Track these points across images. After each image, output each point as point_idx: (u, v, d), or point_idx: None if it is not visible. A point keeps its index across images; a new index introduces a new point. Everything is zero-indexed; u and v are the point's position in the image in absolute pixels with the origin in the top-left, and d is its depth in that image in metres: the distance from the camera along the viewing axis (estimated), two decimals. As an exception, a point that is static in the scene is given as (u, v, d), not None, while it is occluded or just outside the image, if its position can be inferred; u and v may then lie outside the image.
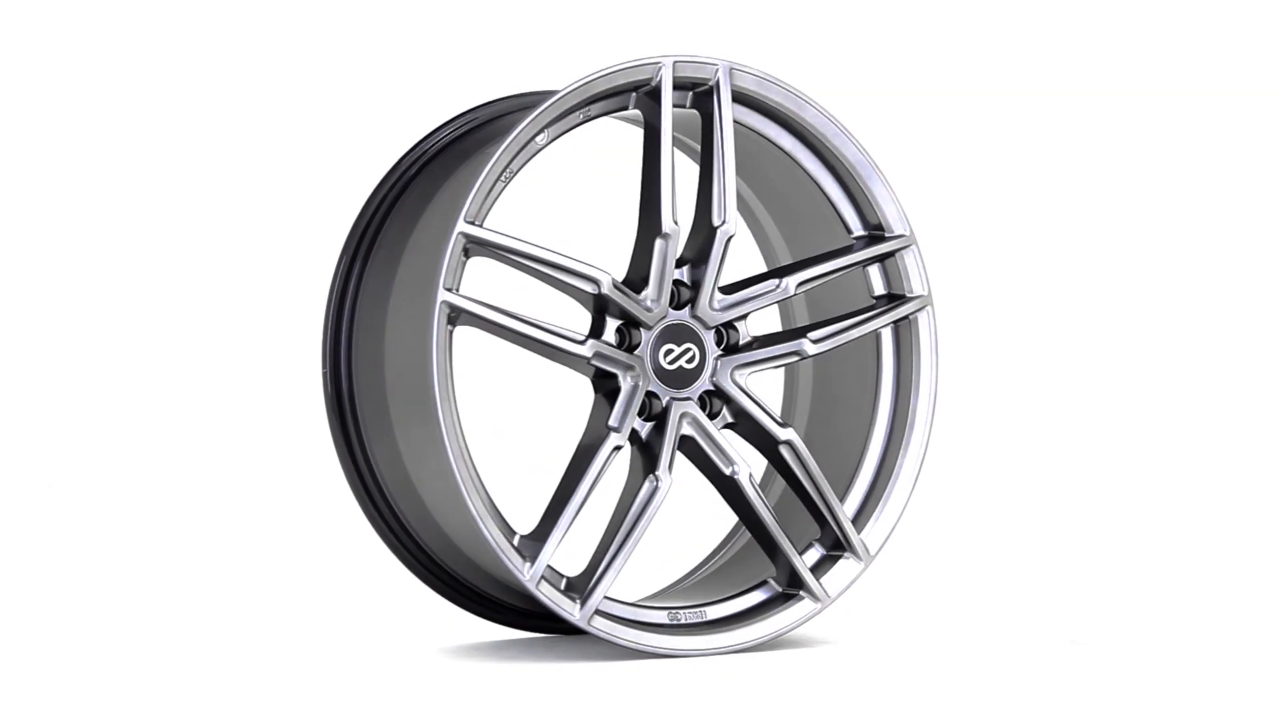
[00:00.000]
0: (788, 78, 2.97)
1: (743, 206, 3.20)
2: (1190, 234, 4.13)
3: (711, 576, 3.15)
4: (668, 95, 2.85)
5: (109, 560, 3.70)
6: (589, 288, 2.82)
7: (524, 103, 3.09)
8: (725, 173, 2.89)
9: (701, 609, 2.93)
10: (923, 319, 3.06)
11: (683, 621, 2.91)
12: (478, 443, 2.93)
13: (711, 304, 2.91)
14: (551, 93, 2.84)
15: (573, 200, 3.45)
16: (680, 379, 2.90)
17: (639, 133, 2.93)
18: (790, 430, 2.95)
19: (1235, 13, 4.16)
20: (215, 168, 3.94)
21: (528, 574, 2.74)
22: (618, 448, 2.83)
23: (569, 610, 2.77)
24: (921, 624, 3.16)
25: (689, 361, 2.90)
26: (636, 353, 2.87)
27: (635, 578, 3.03)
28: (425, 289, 2.73)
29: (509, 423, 3.51)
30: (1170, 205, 4.14)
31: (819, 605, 2.95)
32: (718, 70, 2.89)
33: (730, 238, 2.89)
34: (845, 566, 2.99)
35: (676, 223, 2.85)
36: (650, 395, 2.89)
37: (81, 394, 3.91)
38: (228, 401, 3.91)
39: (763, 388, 3.10)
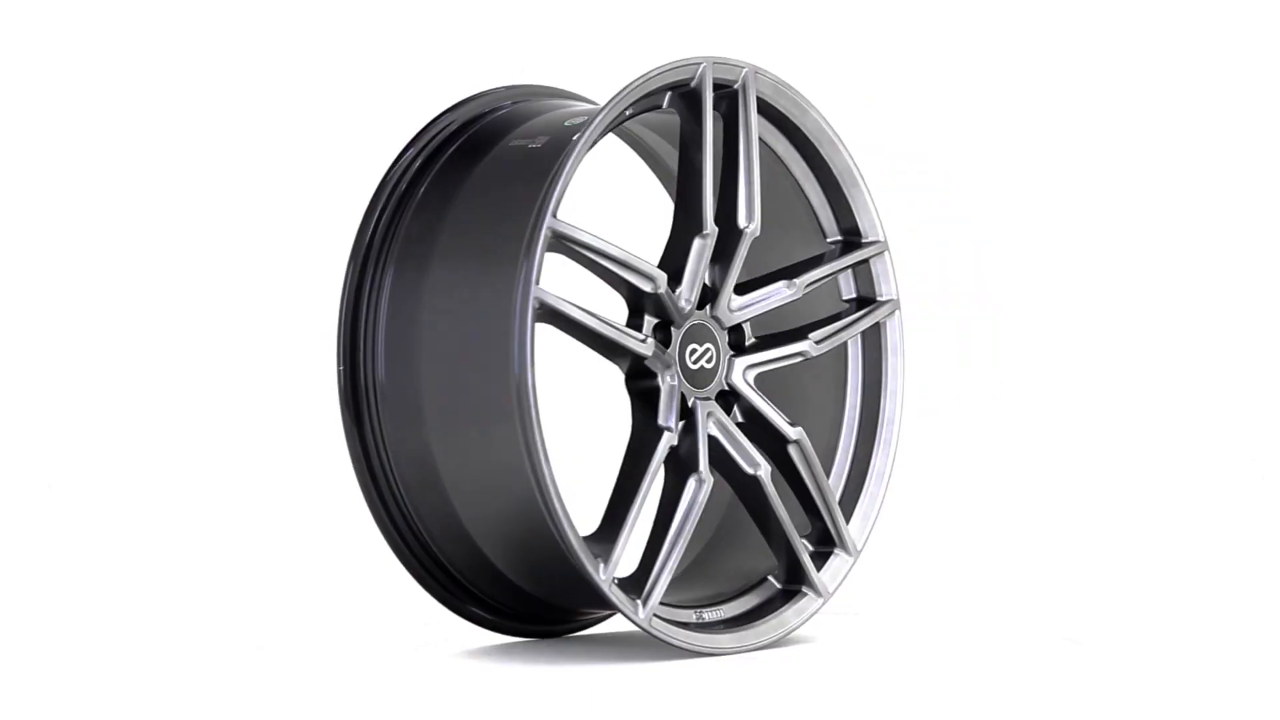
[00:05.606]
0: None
1: None
2: (1165, 234, 4.21)
3: (684, 575, 3.15)
4: (708, 96, 2.86)
5: (110, 562, 3.65)
6: (647, 286, 2.80)
7: (514, 94, 3.03)
8: (751, 174, 2.92)
9: (700, 610, 2.94)
10: (893, 322, 3.17)
11: (706, 620, 2.92)
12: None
13: (729, 304, 2.94)
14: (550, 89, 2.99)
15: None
16: (701, 378, 2.91)
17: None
18: (799, 429, 3.00)
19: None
20: (211, 167, 3.92)
21: (602, 574, 2.70)
22: (673, 447, 2.82)
23: (633, 611, 2.74)
24: (917, 623, 3.17)
25: (708, 361, 2.92)
26: (669, 351, 2.87)
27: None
28: (502, 285, 2.65)
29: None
30: (1146, 208, 4.21)
31: (821, 600, 3.02)
32: (744, 73, 2.92)
33: (754, 239, 2.93)
34: (837, 562, 3.07)
35: (716, 224, 2.87)
36: (680, 394, 2.89)
37: (82, 396, 3.87)
38: (226, 401, 3.88)
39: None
